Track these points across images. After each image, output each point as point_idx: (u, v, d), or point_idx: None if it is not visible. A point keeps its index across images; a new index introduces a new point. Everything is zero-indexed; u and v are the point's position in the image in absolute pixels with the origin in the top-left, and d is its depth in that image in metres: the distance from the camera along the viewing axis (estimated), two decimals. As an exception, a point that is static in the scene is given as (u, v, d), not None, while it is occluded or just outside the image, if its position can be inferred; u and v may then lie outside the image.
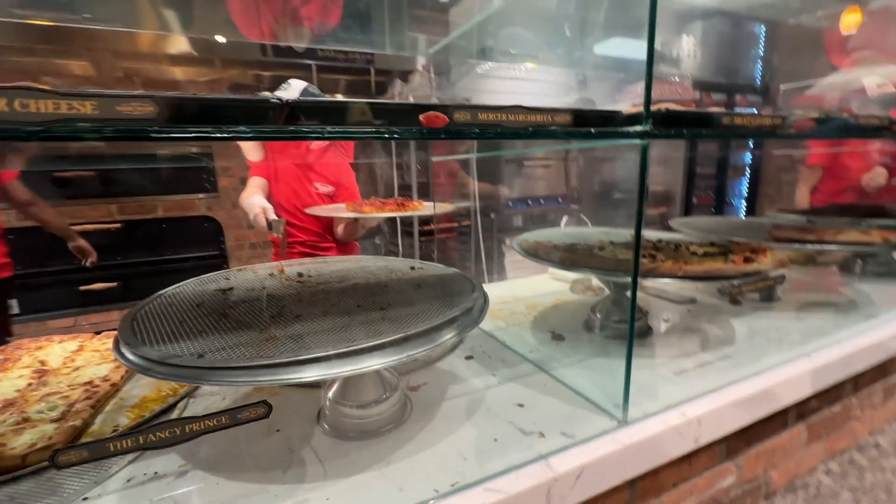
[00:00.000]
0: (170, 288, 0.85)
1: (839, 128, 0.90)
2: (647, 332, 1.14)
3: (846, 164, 2.22)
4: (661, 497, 0.85)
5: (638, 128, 0.65)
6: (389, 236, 4.35)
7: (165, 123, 0.38)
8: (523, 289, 1.61)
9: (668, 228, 1.57)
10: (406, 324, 0.64)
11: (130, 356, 0.56)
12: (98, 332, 1.18)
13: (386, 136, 0.48)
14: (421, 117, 0.50)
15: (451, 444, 0.71)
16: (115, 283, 3.18)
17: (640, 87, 0.64)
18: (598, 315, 1.17)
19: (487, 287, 1.78)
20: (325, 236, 1.94)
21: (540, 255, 1.06)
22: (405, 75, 4.16)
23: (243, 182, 3.44)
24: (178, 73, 3.66)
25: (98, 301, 3.12)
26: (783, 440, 1.05)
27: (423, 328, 0.60)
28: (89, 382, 0.90)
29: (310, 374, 0.52)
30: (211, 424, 0.50)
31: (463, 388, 0.90)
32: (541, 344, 1.10)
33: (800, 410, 1.06)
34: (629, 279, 0.94)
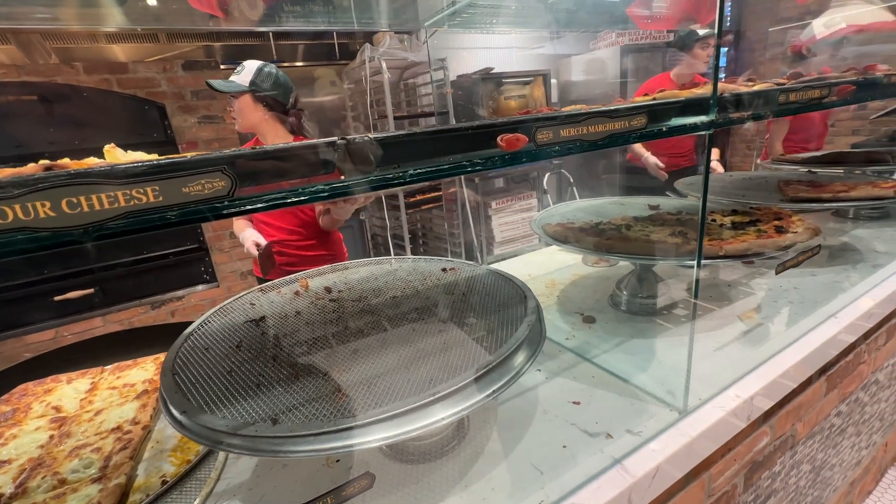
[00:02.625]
0: (194, 324, 0.78)
1: (874, 87, 0.88)
2: (672, 306, 1.15)
3: (809, 114, 2.26)
4: (710, 470, 0.89)
5: (704, 118, 0.61)
6: (373, 210, 4.23)
7: (238, 198, 0.32)
8: (536, 265, 1.59)
9: (675, 191, 1.56)
10: (474, 350, 0.61)
11: (192, 426, 0.51)
12: (105, 366, 1.11)
13: (469, 169, 0.42)
14: (500, 141, 0.44)
15: (522, 455, 0.71)
16: (91, 290, 3.00)
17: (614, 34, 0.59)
18: (625, 292, 1.16)
19: (498, 266, 1.75)
20: (303, 231, 1.81)
21: (570, 241, 1.03)
22: (369, 36, 3.89)
23: (208, 146, 3.22)
24: (120, 52, 3.32)
25: (76, 310, 2.94)
26: (808, 396, 1.10)
27: (499, 358, 0.57)
28: (118, 428, 0.84)
29: (400, 430, 0.48)
30: (317, 510, 0.47)
31: (512, 389, 0.88)
32: (574, 329, 1.09)
33: (823, 367, 1.10)
34: (664, 261, 0.93)
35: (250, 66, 1.72)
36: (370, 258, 1.09)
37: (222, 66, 3.41)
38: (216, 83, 1.70)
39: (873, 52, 2.04)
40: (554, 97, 4.34)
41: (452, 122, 3.69)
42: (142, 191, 0.28)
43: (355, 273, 1.00)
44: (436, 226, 4.33)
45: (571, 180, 4.46)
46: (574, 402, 0.82)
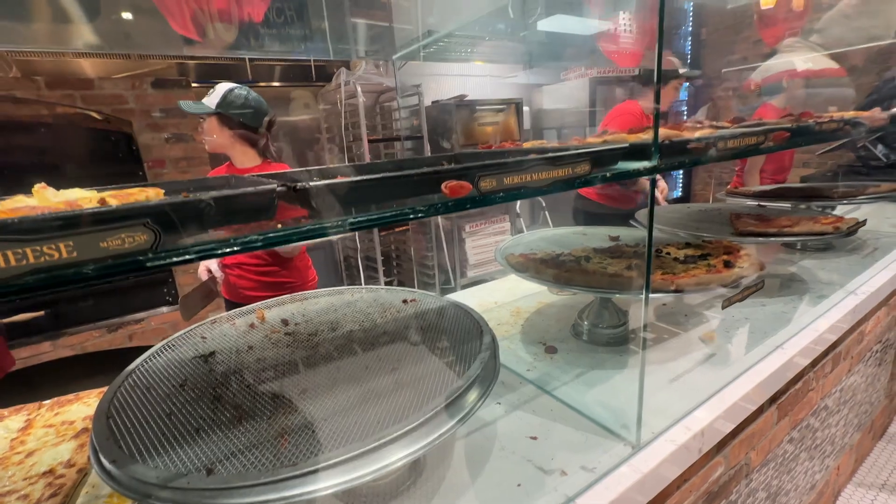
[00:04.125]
0: (138, 360, 0.75)
1: (807, 134, 0.94)
2: (630, 337, 1.17)
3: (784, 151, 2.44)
4: (666, 503, 0.89)
5: (646, 164, 0.64)
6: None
7: (163, 250, 0.31)
8: (502, 292, 1.61)
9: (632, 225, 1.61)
10: (425, 389, 0.60)
11: (121, 478, 0.48)
12: (41, 401, 1.04)
13: (411, 216, 0.43)
14: (444, 188, 0.45)
15: (477, 495, 0.70)
16: (41, 312, 2.84)
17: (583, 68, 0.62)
18: (586, 322, 1.19)
19: (466, 293, 1.75)
20: (264, 257, 1.77)
21: (531, 272, 1.05)
22: (346, 62, 3.94)
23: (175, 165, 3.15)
24: (88, 67, 3.24)
25: (25, 333, 2.77)
26: (759, 425, 1.13)
27: (449, 399, 0.57)
28: (50, 472, 0.79)
29: (343, 478, 0.47)
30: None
31: (471, 422, 0.88)
32: (536, 359, 1.10)
33: (772, 396, 1.14)
34: (621, 295, 0.96)
35: (220, 89, 1.72)
36: (331, 288, 1.07)
37: (194, 85, 3.38)
38: (184, 104, 1.69)
39: (816, 93, 2.23)
40: (527, 124, 4.47)
41: (427, 146, 3.74)
42: (53, 246, 0.27)
43: (315, 304, 0.99)
44: (409, 248, 4.32)
45: (544, 205, 4.57)
46: (531, 437, 0.82)
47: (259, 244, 0.35)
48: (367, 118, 3.54)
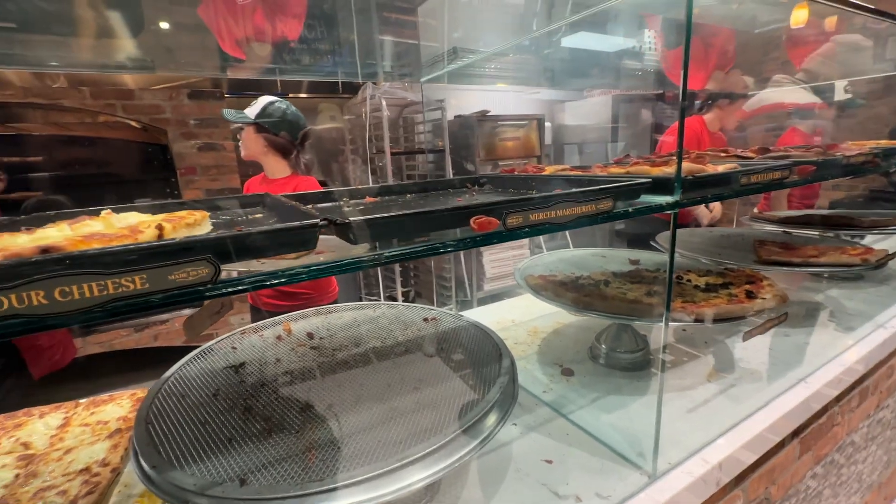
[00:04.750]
0: (174, 368, 0.79)
1: (833, 167, 0.94)
2: (649, 362, 1.17)
3: None
4: (682, 534, 0.89)
5: (668, 199, 0.65)
6: (366, 241, 4.26)
7: (220, 282, 0.34)
8: (520, 310, 1.62)
9: (653, 246, 1.61)
10: (446, 411, 0.62)
11: (160, 483, 0.52)
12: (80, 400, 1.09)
13: (442, 250, 0.46)
14: (473, 224, 0.48)
15: (491, 517, 0.71)
16: (74, 310, 2.95)
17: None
18: (603, 345, 1.19)
19: (483, 310, 1.77)
20: None
21: (549, 294, 1.06)
22: (373, 76, 4.05)
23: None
24: (129, 79, 3.40)
25: (57, 330, 2.90)
26: (781, 459, 1.11)
27: (469, 423, 0.59)
28: (86, 469, 0.83)
29: (365, 496, 0.49)
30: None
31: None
32: (552, 381, 1.11)
33: (795, 430, 1.12)
34: (638, 322, 0.96)
35: (261, 101, 1.80)
36: (353, 303, 1.11)
37: (227, 96, 3.52)
38: (227, 113, 1.80)
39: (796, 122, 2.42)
40: (548, 139, 4.49)
41: (448, 160, 3.78)
42: (130, 279, 0.31)
43: (338, 318, 1.02)
44: (428, 260, 4.36)
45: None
46: (546, 461, 0.83)
47: (304, 276, 0.39)
48: (391, 130, 3.62)
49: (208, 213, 0.59)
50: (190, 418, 0.64)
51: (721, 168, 0.77)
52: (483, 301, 4.03)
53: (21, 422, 1.00)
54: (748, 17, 2.37)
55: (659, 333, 1.35)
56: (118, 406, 1.06)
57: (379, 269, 3.93)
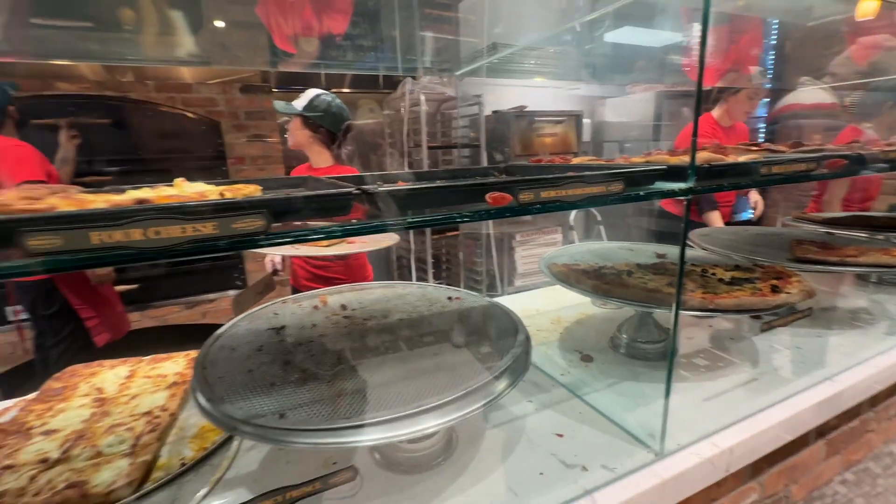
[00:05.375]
0: (224, 326, 0.89)
1: (867, 162, 0.92)
2: (672, 352, 1.18)
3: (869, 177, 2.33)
4: (691, 518, 0.91)
5: (682, 185, 0.68)
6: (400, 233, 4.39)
7: (271, 234, 0.42)
8: (545, 300, 1.65)
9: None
10: (461, 373, 0.68)
11: (214, 413, 0.61)
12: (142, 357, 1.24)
13: (457, 219, 0.52)
14: (488, 198, 0.53)
15: (500, 478, 0.76)
16: (135, 286, 3.24)
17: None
18: (624, 335, 1.21)
19: (509, 299, 1.81)
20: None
21: (572, 282, 1.10)
22: (413, 71, 4.14)
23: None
24: (186, 73, 3.65)
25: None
26: (803, 457, 1.10)
27: (479, 383, 0.64)
28: (149, 412, 0.95)
29: (383, 435, 0.56)
30: (308, 491, 0.55)
31: (502, 415, 0.95)
32: (571, 366, 1.15)
33: (820, 429, 1.10)
34: (658, 309, 0.98)
35: (307, 94, 1.93)
36: (384, 281, 1.18)
37: (274, 90, 3.71)
38: (277, 104, 1.94)
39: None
40: (586, 136, 4.43)
41: (483, 155, 3.82)
42: (204, 225, 0.38)
43: (369, 294, 1.10)
44: (459, 252, 4.42)
45: (599, 218, 4.49)
46: (558, 434, 0.87)
47: (339, 234, 0.46)
48: (428, 125, 3.70)
49: (261, 187, 0.68)
50: (238, 367, 0.73)
51: (743, 158, 0.78)
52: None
53: (95, 371, 1.15)
54: (802, 8, 2.27)
55: (682, 325, 1.35)
56: (175, 363, 1.19)
57: (413, 261, 4.03)
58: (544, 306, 1.60)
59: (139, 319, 3.40)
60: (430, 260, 3.84)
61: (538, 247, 4.21)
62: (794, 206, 4.52)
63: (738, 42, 2.43)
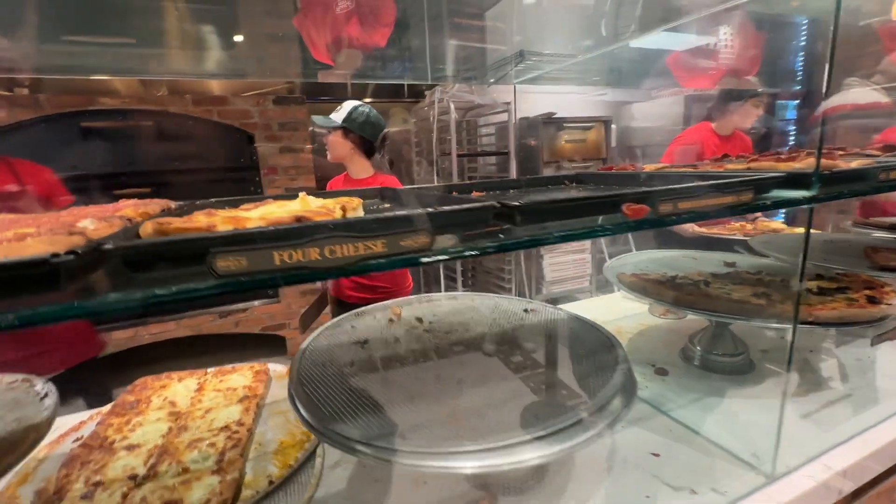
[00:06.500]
0: (307, 341, 0.88)
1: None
2: (750, 366, 1.13)
3: None
4: (794, 543, 0.86)
5: (805, 193, 0.65)
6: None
7: (433, 250, 0.40)
8: (601, 310, 1.61)
9: (749, 249, 1.54)
10: (571, 391, 0.66)
11: (329, 434, 0.59)
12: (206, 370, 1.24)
13: (599, 233, 0.49)
14: (625, 209, 0.51)
15: (607, 501, 0.73)
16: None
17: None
18: (699, 347, 1.16)
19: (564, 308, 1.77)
20: None
21: (650, 293, 1.06)
22: (441, 79, 4.16)
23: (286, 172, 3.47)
24: (218, 87, 3.70)
25: (157, 312, 3.23)
26: (902, 478, 1.03)
27: (601, 402, 0.61)
28: (227, 427, 0.94)
29: (508, 460, 0.53)
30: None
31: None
32: (646, 379, 1.10)
33: (920, 448, 1.04)
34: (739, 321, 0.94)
35: (346, 106, 1.93)
36: (445, 293, 1.16)
37: (306, 101, 3.75)
38: (315, 118, 1.93)
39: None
40: (612, 142, 4.38)
41: (513, 162, 3.80)
42: (374, 243, 0.37)
43: (439, 306, 1.08)
44: (486, 260, 4.39)
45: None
46: (654, 454, 0.84)
47: (492, 249, 0.44)
48: (455, 133, 3.70)
49: (361, 200, 0.66)
50: (337, 385, 0.72)
51: (854, 164, 0.74)
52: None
53: (165, 383, 1.15)
54: (851, 7, 2.21)
55: (758, 336, 1.30)
56: (242, 376, 1.18)
57: (441, 270, 4.01)
58: (600, 316, 1.55)
59: (174, 329, 3.44)
60: (459, 268, 3.81)
61: (567, 254, 4.16)
62: (839, 210, 4.39)
63: (736, 47, 2.37)
